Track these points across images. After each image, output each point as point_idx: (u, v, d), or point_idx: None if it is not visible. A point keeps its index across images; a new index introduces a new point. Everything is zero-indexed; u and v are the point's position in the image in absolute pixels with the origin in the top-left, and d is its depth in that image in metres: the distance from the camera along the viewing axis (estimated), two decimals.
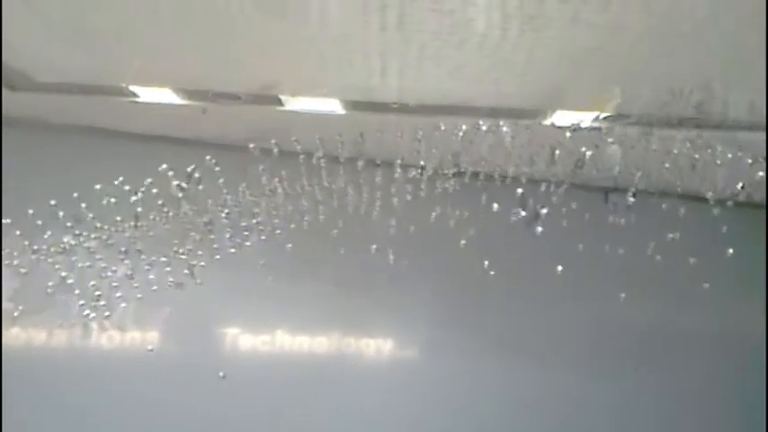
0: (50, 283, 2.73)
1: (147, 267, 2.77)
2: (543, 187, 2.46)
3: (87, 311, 2.76)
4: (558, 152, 2.21)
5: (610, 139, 2.21)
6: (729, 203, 2.56)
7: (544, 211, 2.45)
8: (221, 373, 3.93)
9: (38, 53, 2.82)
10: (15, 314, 3.68)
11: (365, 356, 4.26)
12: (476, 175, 2.45)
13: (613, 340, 4.52)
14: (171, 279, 2.76)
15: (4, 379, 3.60)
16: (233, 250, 2.74)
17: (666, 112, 3.22)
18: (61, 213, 2.62)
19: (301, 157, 2.45)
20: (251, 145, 2.35)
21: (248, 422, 4.01)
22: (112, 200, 2.43)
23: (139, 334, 3.95)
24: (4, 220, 3.32)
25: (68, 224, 2.61)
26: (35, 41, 2.65)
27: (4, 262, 3.47)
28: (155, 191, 2.49)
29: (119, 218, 2.55)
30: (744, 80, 2.56)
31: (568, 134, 3.37)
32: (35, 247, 3.75)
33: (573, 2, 2.00)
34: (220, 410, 3.94)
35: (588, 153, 2.28)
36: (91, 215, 2.52)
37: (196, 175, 2.40)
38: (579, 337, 4.50)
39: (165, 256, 2.76)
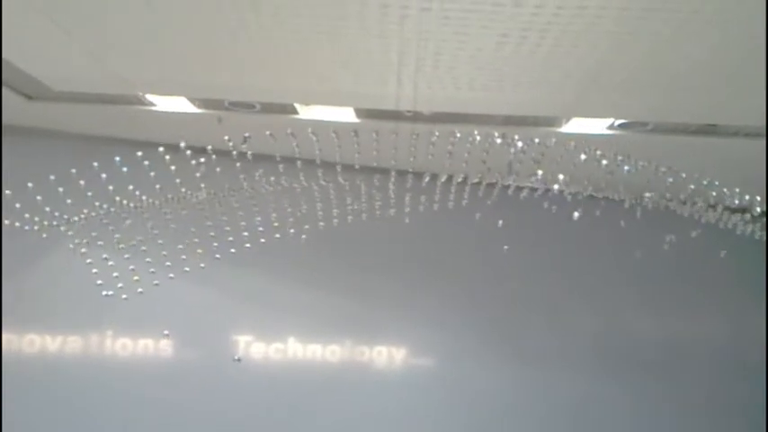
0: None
1: (165, 256, 2.74)
2: (555, 194, 2.44)
3: (105, 291, 2.73)
4: (573, 160, 2.19)
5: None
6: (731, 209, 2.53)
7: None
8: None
9: (55, 63, 2.85)
10: None
11: (378, 364, 4.25)
12: (491, 184, 2.44)
13: (624, 346, 4.50)
14: (186, 268, 2.73)
15: (9, 378, 3.65)
16: (248, 245, 2.72)
17: (680, 120, 3.21)
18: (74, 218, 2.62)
19: (319, 166, 2.44)
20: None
21: (260, 428, 4.02)
22: (131, 204, 2.43)
23: (153, 337, 3.97)
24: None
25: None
26: (53, 52, 2.68)
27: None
28: (170, 195, 2.50)
29: (143, 217, 2.54)
30: (754, 89, 2.54)
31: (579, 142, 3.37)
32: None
33: (590, 11, 2.00)
34: (232, 416, 3.94)
35: (603, 161, 2.26)
36: (105, 221, 2.51)
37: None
38: (590, 344, 4.48)
39: (181, 244, 2.72)
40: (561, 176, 2.31)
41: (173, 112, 3.35)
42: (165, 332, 3.78)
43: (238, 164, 2.26)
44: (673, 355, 4.51)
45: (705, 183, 2.35)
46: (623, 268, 4.56)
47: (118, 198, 2.35)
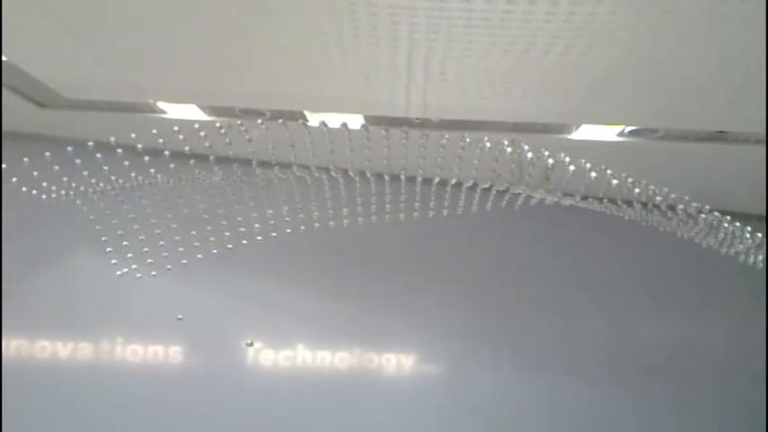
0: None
1: (178, 240, 2.69)
2: (566, 202, 2.44)
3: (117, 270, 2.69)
4: (586, 166, 2.19)
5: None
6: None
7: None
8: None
9: (67, 71, 2.88)
10: None
11: (387, 371, 4.25)
12: (501, 192, 2.44)
13: (633, 352, 4.49)
14: (199, 255, 2.70)
15: (21, 384, 3.67)
16: (259, 237, 2.70)
17: (690, 127, 3.20)
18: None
19: (329, 171, 2.45)
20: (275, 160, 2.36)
21: None
22: (146, 181, 2.41)
23: (163, 343, 3.98)
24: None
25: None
26: (65, 59, 2.71)
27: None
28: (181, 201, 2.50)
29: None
30: (764, 96, 2.53)
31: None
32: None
33: (599, 18, 2.00)
34: (241, 422, 3.94)
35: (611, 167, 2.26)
36: (120, 198, 2.49)
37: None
38: (599, 350, 4.47)
39: (194, 230, 2.68)
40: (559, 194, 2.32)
41: (183, 120, 3.38)
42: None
43: (251, 149, 2.25)
44: (681, 361, 4.49)
45: (717, 214, 2.34)
46: (631, 274, 4.56)
47: (133, 174, 2.34)
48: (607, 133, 3.28)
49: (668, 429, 4.41)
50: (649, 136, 3.27)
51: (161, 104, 3.26)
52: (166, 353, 3.98)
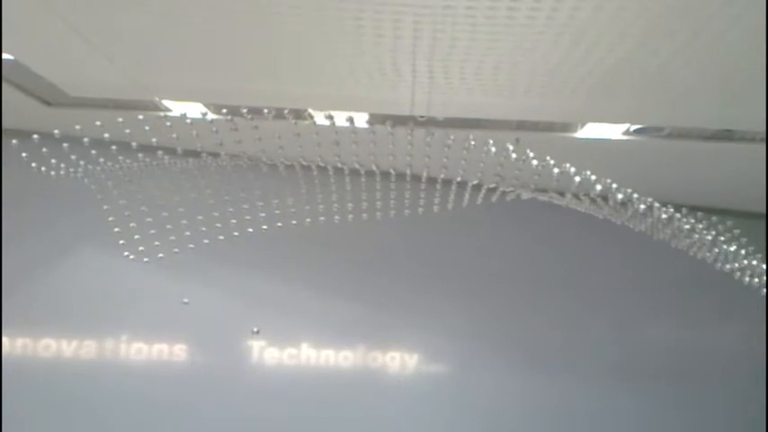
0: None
1: (186, 224, 2.66)
2: (569, 201, 2.43)
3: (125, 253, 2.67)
4: (591, 178, 2.18)
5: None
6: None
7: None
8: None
9: (73, 69, 2.88)
10: None
11: (391, 370, 4.25)
12: (505, 192, 2.44)
13: (637, 355, 4.49)
14: (206, 240, 2.68)
15: (25, 382, 3.68)
16: (265, 226, 2.70)
17: (696, 125, 3.19)
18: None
19: (330, 170, 2.45)
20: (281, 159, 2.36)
21: None
22: (153, 163, 2.41)
23: (167, 342, 3.99)
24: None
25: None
26: (70, 58, 2.71)
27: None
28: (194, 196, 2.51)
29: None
30: None
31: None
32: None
33: (605, 13, 1.99)
34: (245, 420, 3.95)
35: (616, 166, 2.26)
36: (127, 179, 2.49)
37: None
38: (603, 353, 4.46)
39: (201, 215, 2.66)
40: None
41: (188, 118, 3.38)
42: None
43: (258, 137, 2.25)
44: (684, 363, 4.49)
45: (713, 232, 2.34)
46: (635, 276, 4.55)
47: (141, 155, 2.35)
48: (612, 131, 3.27)
49: (672, 431, 4.40)
50: (655, 134, 3.26)
51: (166, 103, 3.27)
52: (171, 351, 4.00)
